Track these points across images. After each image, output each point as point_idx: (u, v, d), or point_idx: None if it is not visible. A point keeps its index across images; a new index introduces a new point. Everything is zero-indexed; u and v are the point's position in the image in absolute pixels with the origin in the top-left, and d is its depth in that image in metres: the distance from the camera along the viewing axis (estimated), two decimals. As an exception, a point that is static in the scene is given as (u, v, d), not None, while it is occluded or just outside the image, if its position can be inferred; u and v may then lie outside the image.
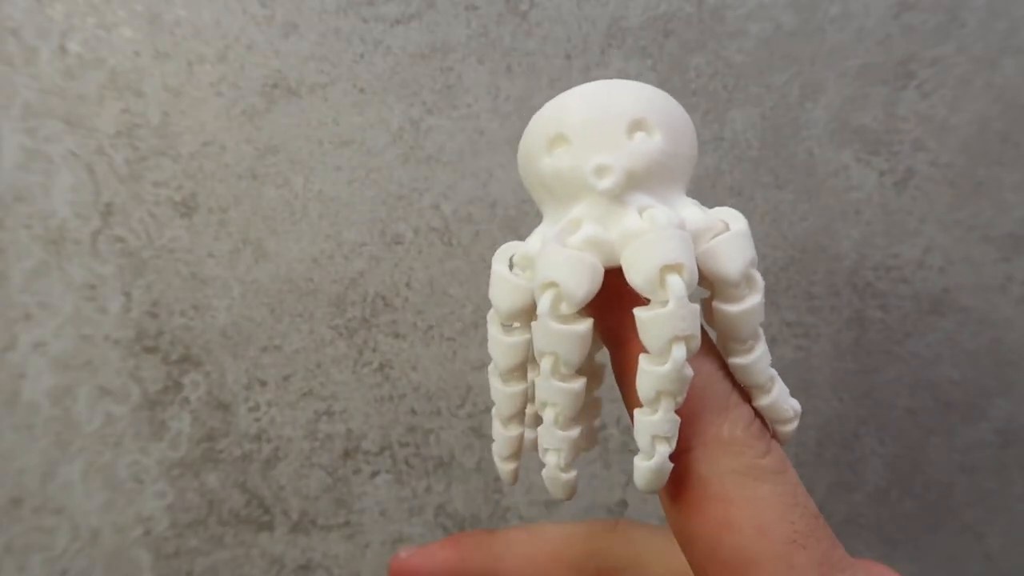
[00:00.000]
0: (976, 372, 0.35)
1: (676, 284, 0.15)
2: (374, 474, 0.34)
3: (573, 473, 0.17)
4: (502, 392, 0.18)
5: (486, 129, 0.33)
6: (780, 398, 0.17)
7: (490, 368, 0.18)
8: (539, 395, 0.17)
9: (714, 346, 0.18)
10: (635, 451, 0.16)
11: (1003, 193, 0.34)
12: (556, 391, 0.16)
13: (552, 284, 0.16)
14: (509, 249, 0.18)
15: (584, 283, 0.15)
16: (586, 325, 0.16)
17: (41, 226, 0.31)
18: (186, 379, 0.33)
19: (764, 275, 0.34)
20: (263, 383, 0.33)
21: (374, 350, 0.34)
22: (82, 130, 0.31)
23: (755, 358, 0.17)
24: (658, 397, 0.15)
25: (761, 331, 0.17)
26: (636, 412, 0.16)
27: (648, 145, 0.16)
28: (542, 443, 0.17)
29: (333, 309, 0.33)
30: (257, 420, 0.33)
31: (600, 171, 0.16)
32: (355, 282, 0.33)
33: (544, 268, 0.16)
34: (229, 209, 0.32)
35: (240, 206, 0.32)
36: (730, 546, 0.15)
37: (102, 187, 0.32)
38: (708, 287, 0.17)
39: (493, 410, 0.19)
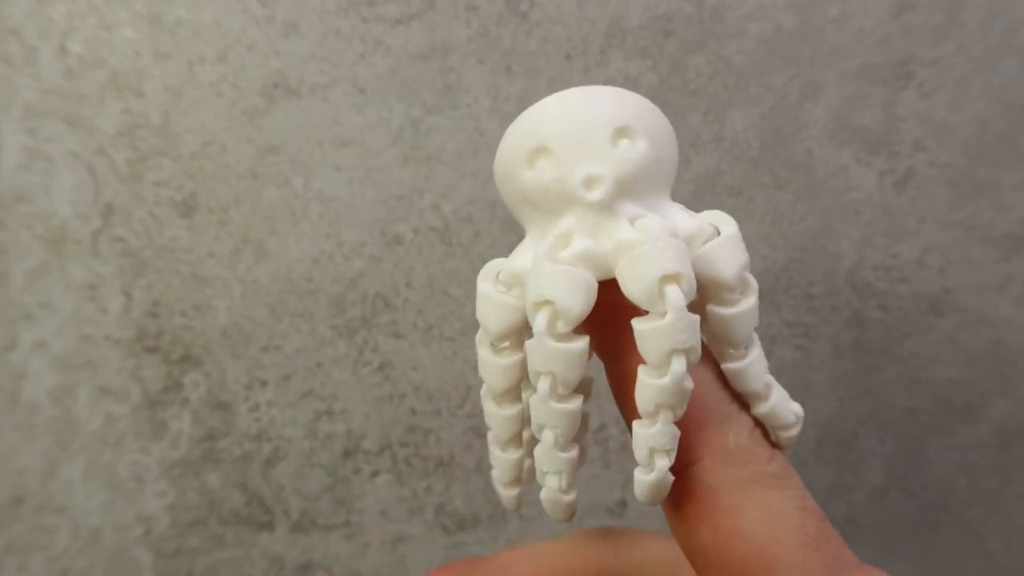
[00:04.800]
0: (976, 372, 0.35)
1: (675, 295, 0.15)
2: (374, 474, 0.34)
3: (573, 495, 0.17)
4: (498, 415, 0.18)
5: (486, 129, 0.33)
6: (779, 404, 0.17)
7: (483, 391, 0.18)
8: (536, 417, 0.16)
9: (711, 354, 0.17)
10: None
11: (1003, 193, 0.34)
12: (555, 412, 0.16)
13: (547, 302, 0.15)
14: (495, 267, 0.17)
15: (580, 299, 0.15)
16: (583, 343, 0.16)
17: (42, 226, 0.31)
18: (186, 379, 0.33)
19: (764, 275, 0.34)
20: (263, 383, 0.33)
21: (374, 350, 0.34)
22: (83, 130, 0.31)
23: (750, 362, 0.17)
24: (657, 410, 0.15)
25: (756, 336, 0.17)
26: (635, 424, 0.16)
27: (634, 152, 0.16)
28: (540, 466, 0.17)
29: (333, 309, 0.33)
30: (257, 420, 0.34)
31: (589, 182, 0.16)
32: (355, 282, 0.33)
33: (537, 286, 0.15)
34: (229, 209, 0.32)
35: (240, 206, 0.32)
36: (743, 555, 0.15)
37: (103, 187, 0.32)
38: (700, 293, 0.17)
39: (489, 435, 0.18)
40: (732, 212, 0.35)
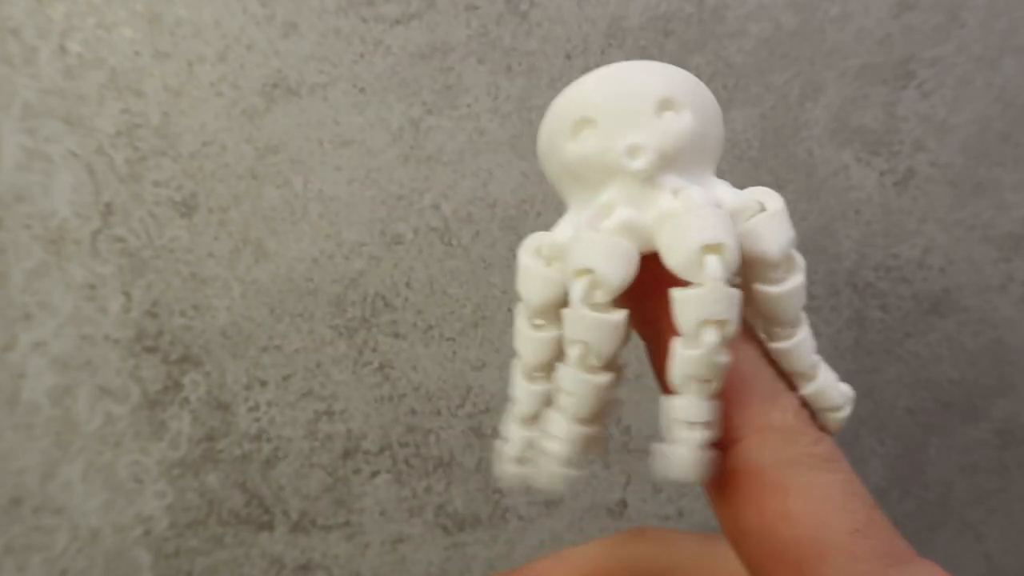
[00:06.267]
0: (976, 372, 0.35)
1: (713, 264, 0.14)
2: (374, 474, 0.34)
3: (572, 471, 0.16)
4: (526, 389, 0.17)
5: (486, 129, 0.33)
6: (827, 384, 0.17)
7: (514, 363, 0.17)
8: (559, 382, 0.16)
9: (755, 332, 0.17)
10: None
11: (1003, 193, 0.34)
12: (579, 382, 0.15)
13: (587, 271, 0.15)
14: (536, 239, 0.17)
15: (620, 269, 0.15)
16: (621, 315, 0.15)
17: (41, 226, 0.31)
18: (186, 379, 0.33)
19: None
20: (263, 383, 0.33)
21: (374, 350, 0.34)
22: (82, 130, 0.31)
23: (797, 342, 0.16)
24: (687, 382, 0.15)
25: (804, 314, 0.16)
26: (664, 397, 0.15)
27: (678, 124, 0.15)
28: (548, 430, 0.16)
29: (333, 309, 0.33)
30: (257, 420, 0.33)
31: (633, 151, 0.15)
32: (355, 282, 0.33)
33: (578, 255, 0.15)
34: (229, 209, 0.32)
35: (240, 206, 0.32)
36: (789, 539, 0.14)
37: (102, 187, 0.32)
38: (745, 271, 0.16)
39: (512, 408, 0.17)
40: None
